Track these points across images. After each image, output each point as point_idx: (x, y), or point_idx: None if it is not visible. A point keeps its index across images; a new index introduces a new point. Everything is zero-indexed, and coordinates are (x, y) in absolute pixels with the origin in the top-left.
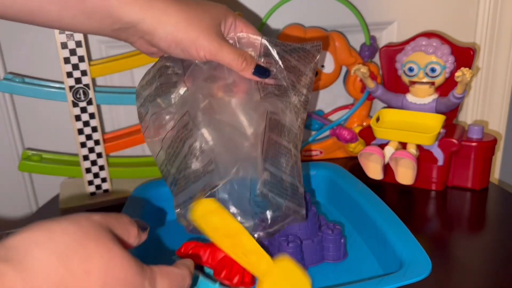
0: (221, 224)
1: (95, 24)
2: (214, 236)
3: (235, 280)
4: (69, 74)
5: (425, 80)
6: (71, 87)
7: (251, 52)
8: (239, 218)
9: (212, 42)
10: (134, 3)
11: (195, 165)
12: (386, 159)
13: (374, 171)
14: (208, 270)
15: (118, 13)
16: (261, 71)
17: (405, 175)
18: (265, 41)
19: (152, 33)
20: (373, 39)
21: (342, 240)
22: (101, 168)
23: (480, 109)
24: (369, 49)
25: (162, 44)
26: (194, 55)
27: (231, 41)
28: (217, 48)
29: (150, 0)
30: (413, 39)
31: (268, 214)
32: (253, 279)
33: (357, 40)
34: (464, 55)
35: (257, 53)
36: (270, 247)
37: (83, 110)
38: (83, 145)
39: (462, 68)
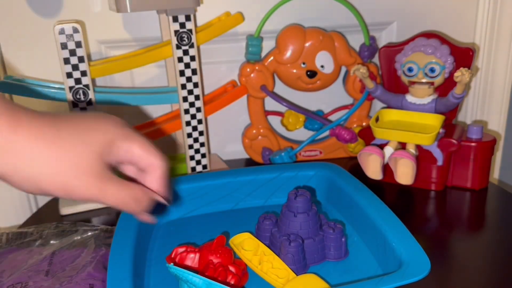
0: (253, 247)
1: None
2: (247, 256)
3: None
4: (69, 75)
5: (424, 80)
6: (71, 88)
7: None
8: None
9: (90, 187)
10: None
11: None
12: (386, 159)
13: (374, 171)
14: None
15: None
16: (157, 211)
17: (405, 175)
18: None
19: (6, 179)
20: (372, 39)
21: (343, 239)
22: None
23: (480, 109)
24: (369, 49)
25: (24, 189)
26: (71, 198)
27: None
28: (96, 194)
29: (11, 136)
30: (412, 39)
31: None
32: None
33: (357, 40)
34: (464, 55)
35: None
36: (272, 247)
37: (83, 110)
38: None
39: (461, 68)
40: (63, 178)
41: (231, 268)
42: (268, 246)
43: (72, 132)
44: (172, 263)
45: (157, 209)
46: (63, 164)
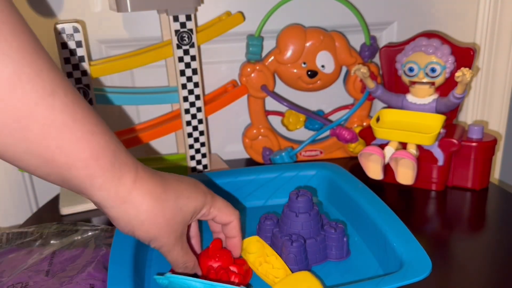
0: (258, 250)
1: (63, 185)
2: (250, 259)
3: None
4: (69, 75)
5: (425, 80)
6: None
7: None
8: None
9: (167, 244)
10: (114, 190)
11: None
12: (386, 159)
13: (374, 171)
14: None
15: (94, 193)
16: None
17: (405, 175)
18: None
19: (114, 220)
20: (373, 39)
21: (344, 239)
22: None
23: (480, 109)
24: (369, 49)
25: (119, 228)
26: (146, 243)
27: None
28: (167, 250)
29: (131, 188)
30: (413, 39)
31: None
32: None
33: (357, 40)
34: (464, 55)
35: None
36: (273, 247)
37: None
38: None
39: (462, 68)
40: (156, 231)
41: (233, 268)
42: (270, 246)
43: (174, 196)
44: (170, 272)
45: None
46: (160, 221)
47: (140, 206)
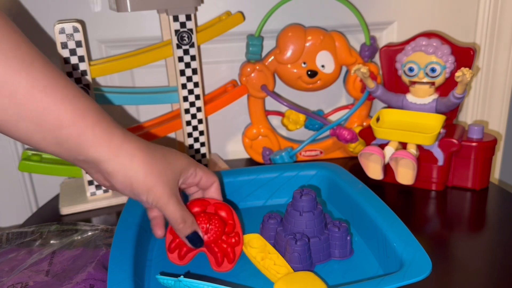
0: (260, 246)
1: (60, 150)
2: (252, 253)
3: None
4: (69, 74)
5: (425, 80)
6: None
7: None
8: None
9: (163, 195)
10: (106, 144)
11: None
12: (386, 159)
13: (374, 171)
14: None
15: (88, 149)
16: (194, 240)
17: (405, 175)
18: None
19: (112, 175)
20: (373, 39)
21: (348, 238)
22: None
23: (480, 109)
24: (369, 49)
25: (118, 186)
26: (143, 200)
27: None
28: (164, 202)
29: (122, 142)
30: (413, 39)
31: None
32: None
33: (357, 40)
34: (464, 55)
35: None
36: (277, 245)
37: None
38: None
39: (462, 68)
40: (152, 180)
41: (224, 238)
42: (273, 245)
43: (161, 153)
44: (181, 276)
45: (194, 241)
46: (154, 171)
47: (133, 156)
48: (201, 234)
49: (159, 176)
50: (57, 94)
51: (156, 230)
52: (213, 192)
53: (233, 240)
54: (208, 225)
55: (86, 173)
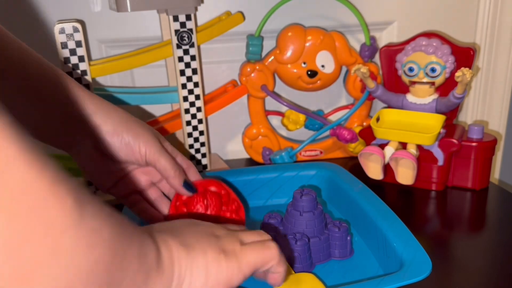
0: None
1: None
2: None
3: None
4: (69, 74)
5: (425, 80)
6: None
7: None
8: None
9: (155, 143)
10: (90, 101)
11: None
12: (386, 159)
13: (374, 171)
14: None
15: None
16: (190, 185)
17: (405, 175)
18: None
19: (101, 126)
20: (373, 39)
21: (348, 238)
22: None
23: (480, 109)
24: (369, 49)
25: (109, 136)
26: (136, 151)
27: None
28: (158, 151)
29: (100, 100)
30: (413, 39)
31: None
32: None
33: (357, 40)
34: (464, 55)
35: None
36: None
37: None
38: None
39: (462, 68)
40: (140, 130)
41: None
42: None
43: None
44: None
45: (191, 186)
46: (139, 125)
47: (114, 108)
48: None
49: (143, 128)
50: None
51: (164, 208)
52: (193, 176)
53: (233, 207)
54: (205, 202)
55: (75, 157)
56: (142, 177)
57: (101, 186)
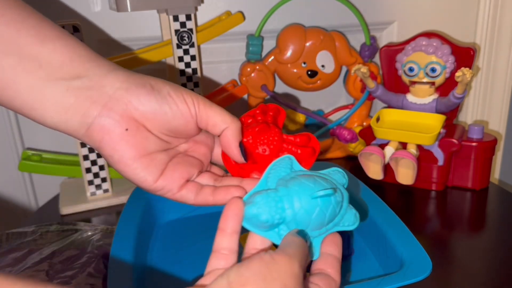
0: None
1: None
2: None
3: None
4: None
5: (425, 80)
6: None
7: None
8: None
9: (198, 96)
10: (99, 64)
11: None
12: (386, 159)
13: (374, 171)
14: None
15: (82, 65)
16: (243, 150)
17: (405, 175)
18: None
19: (126, 81)
20: (373, 39)
21: (348, 238)
22: (101, 168)
23: (480, 109)
24: (369, 49)
25: (142, 96)
26: (179, 102)
27: None
28: (206, 102)
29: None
30: (413, 39)
31: None
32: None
33: (357, 40)
34: (464, 55)
35: None
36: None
37: None
38: (83, 144)
39: (462, 68)
40: (170, 85)
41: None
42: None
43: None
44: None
45: (244, 150)
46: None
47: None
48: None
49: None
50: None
51: (240, 158)
52: (227, 139)
53: (298, 139)
54: (264, 137)
55: (100, 148)
56: (197, 152)
57: (144, 182)
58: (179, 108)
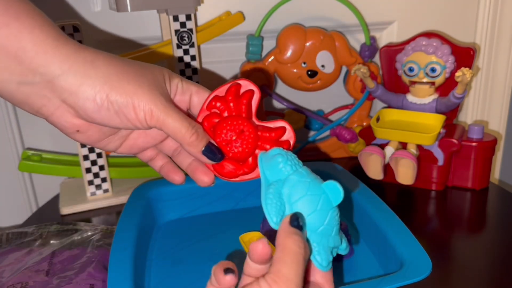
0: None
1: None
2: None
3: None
4: None
5: (425, 80)
6: None
7: None
8: None
9: (155, 100)
10: (54, 52)
11: None
12: (386, 159)
13: (374, 171)
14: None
15: (30, 60)
16: (213, 151)
17: (405, 175)
18: None
19: (75, 92)
20: (373, 39)
21: (348, 238)
22: (101, 168)
23: (480, 109)
24: (369, 49)
25: (89, 106)
26: (132, 118)
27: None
28: (161, 110)
29: (75, 50)
30: (413, 39)
31: None
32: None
33: (357, 40)
34: (464, 55)
35: None
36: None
37: None
38: (83, 145)
39: (462, 68)
40: (131, 86)
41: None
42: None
43: (129, 61)
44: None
45: (214, 152)
46: (129, 74)
47: (95, 61)
48: (213, 142)
49: (138, 80)
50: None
51: (173, 176)
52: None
53: (273, 134)
54: (238, 138)
55: (48, 119)
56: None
57: (103, 149)
58: (130, 122)
